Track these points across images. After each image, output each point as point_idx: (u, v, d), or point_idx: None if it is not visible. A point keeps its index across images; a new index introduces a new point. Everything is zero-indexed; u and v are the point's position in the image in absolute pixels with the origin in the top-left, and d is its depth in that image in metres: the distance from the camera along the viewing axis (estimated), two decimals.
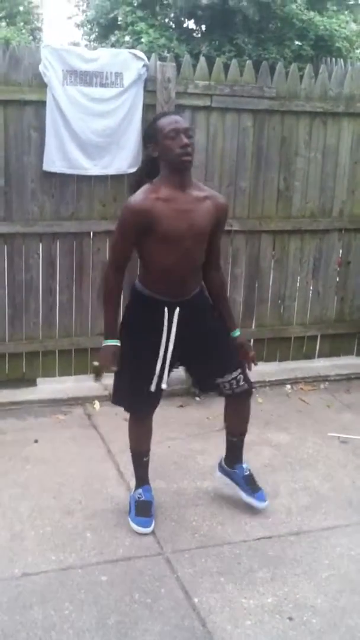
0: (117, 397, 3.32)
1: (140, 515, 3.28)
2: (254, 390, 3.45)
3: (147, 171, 3.11)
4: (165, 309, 3.08)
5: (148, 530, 3.24)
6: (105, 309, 3.18)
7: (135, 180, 3.23)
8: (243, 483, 3.45)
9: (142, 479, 3.40)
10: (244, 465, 3.49)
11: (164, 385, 3.19)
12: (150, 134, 3.06)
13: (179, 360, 3.26)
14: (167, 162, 2.98)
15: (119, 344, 3.14)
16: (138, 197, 2.99)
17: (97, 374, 4.65)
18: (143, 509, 3.30)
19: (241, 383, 3.28)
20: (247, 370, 3.33)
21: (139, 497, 3.34)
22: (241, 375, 3.28)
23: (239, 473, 3.47)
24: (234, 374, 3.26)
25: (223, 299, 3.37)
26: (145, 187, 3.02)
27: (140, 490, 3.36)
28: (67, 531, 3.23)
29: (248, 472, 3.47)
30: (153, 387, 3.16)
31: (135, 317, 3.21)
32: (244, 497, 3.44)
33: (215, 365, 3.25)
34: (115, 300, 3.19)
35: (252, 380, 3.38)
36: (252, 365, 3.35)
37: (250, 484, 3.45)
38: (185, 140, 2.94)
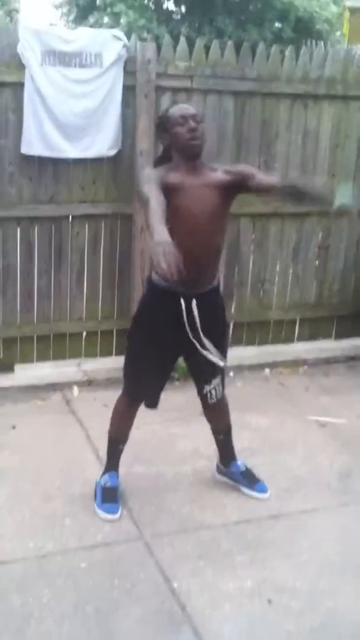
0: (125, 382, 3.31)
1: (107, 502, 3.27)
2: (232, 374, 3.46)
3: (162, 161, 3.12)
4: (182, 301, 3.04)
5: (115, 516, 3.23)
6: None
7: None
8: (241, 479, 3.49)
9: (111, 465, 3.39)
10: (239, 462, 3.53)
11: (221, 363, 3.19)
12: (161, 123, 3.07)
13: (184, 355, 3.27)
14: (177, 149, 3.00)
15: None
16: (149, 169, 3.06)
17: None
18: (109, 495, 3.29)
19: (220, 389, 3.31)
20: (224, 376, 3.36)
21: (105, 483, 3.33)
22: (220, 381, 3.30)
23: (236, 471, 3.50)
24: (217, 379, 3.28)
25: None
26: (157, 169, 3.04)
27: (106, 476, 3.36)
28: (46, 517, 3.21)
29: (244, 468, 3.52)
30: (222, 364, 3.18)
31: (150, 308, 3.16)
32: (245, 492, 3.47)
33: (206, 367, 3.22)
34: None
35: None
36: None
37: (248, 478, 3.49)
38: (193, 124, 2.94)
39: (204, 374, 3.26)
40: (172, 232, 2.89)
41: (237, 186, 3.05)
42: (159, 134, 3.15)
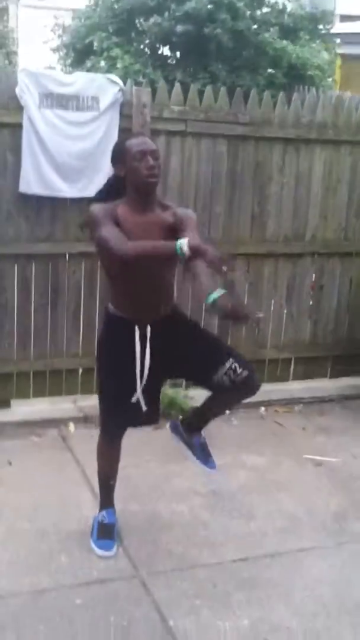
0: (100, 419, 3.29)
1: (103, 538, 3.25)
2: (227, 412, 3.42)
3: (110, 191, 3.10)
4: (136, 328, 3.06)
5: (110, 553, 3.22)
6: (142, 246, 2.87)
7: (97, 200, 3.15)
8: (198, 450, 3.30)
9: (106, 501, 3.37)
10: (203, 434, 3.34)
11: (144, 407, 3.15)
12: (118, 155, 3.05)
13: (168, 374, 3.26)
14: (132, 183, 2.99)
15: None
16: (98, 204, 3.02)
17: None
18: (105, 532, 3.27)
19: (238, 371, 3.04)
20: (239, 356, 3.13)
21: (102, 520, 3.31)
22: (235, 364, 3.05)
23: (196, 440, 3.32)
24: (227, 365, 3.04)
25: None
26: (106, 204, 3.02)
27: (104, 512, 3.34)
28: (41, 554, 3.20)
29: (204, 440, 3.33)
30: (134, 399, 3.11)
31: (108, 337, 3.21)
32: (194, 463, 3.33)
33: (203, 365, 3.08)
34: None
35: None
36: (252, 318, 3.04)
37: (203, 452, 3.31)
38: (152, 162, 2.94)
39: (205, 365, 3.07)
40: (120, 267, 2.95)
41: (177, 231, 2.97)
42: (114, 163, 3.07)
